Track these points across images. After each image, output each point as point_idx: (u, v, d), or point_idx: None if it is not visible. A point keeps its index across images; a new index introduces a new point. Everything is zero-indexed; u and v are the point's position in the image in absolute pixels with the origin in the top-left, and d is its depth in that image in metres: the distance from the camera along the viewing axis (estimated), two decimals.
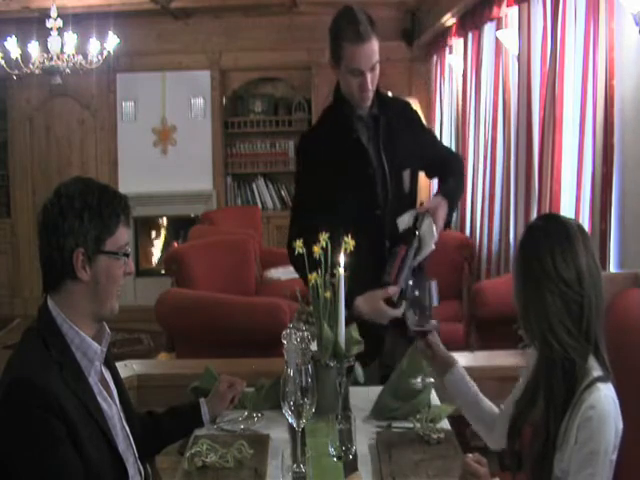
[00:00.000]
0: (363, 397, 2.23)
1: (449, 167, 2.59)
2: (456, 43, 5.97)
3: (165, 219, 7.84)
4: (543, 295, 1.63)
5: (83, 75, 6.38)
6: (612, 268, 3.11)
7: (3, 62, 5.97)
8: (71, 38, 5.91)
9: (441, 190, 2.49)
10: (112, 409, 1.77)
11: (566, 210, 3.53)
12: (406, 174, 2.51)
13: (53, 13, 5.76)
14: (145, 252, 7.85)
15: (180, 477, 1.85)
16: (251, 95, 7.76)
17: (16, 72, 6.06)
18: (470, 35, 5.50)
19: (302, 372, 1.78)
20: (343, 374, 2.05)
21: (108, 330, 1.79)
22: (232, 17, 7.35)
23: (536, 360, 1.73)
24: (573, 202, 3.47)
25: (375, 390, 2.24)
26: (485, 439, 1.97)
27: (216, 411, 2.16)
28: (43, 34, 5.90)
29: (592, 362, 1.64)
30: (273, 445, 2.00)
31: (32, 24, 6.07)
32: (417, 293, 2.00)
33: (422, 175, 2.66)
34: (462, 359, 2.09)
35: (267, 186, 7.74)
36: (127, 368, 2.89)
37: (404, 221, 2.41)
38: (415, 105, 6.67)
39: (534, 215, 3.99)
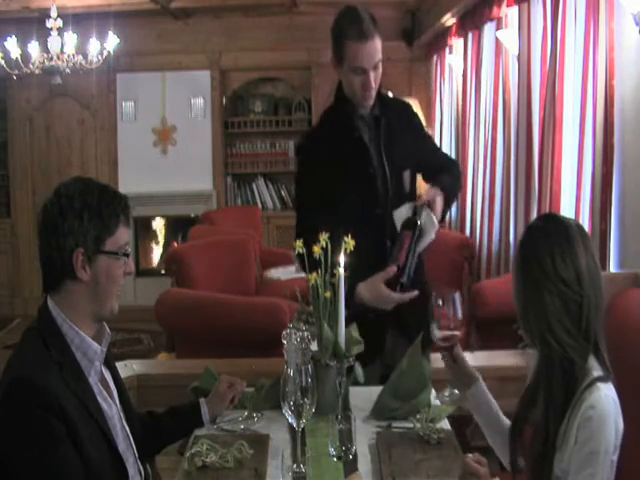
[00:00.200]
0: (363, 397, 2.23)
1: (447, 171, 2.59)
2: (456, 43, 5.97)
3: (165, 219, 7.83)
4: (542, 295, 1.63)
5: (83, 75, 6.38)
6: (612, 268, 3.11)
7: (3, 62, 5.97)
8: (71, 38, 5.91)
9: (437, 183, 2.46)
10: (112, 409, 1.77)
11: (566, 210, 3.53)
12: (406, 174, 2.51)
13: (53, 13, 5.76)
14: (145, 252, 7.85)
15: (180, 477, 1.85)
16: (251, 95, 7.76)
17: (16, 72, 6.06)
18: (470, 35, 5.50)
19: (302, 372, 1.78)
20: (343, 374, 2.05)
21: (108, 330, 1.79)
22: (232, 17, 7.35)
23: (537, 361, 1.73)
24: (573, 202, 3.47)
25: (375, 390, 2.24)
26: (500, 456, 1.94)
27: (216, 411, 2.15)
28: (43, 34, 5.90)
29: (592, 362, 1.64)
30: (273, 445, 2.00)
31: (32, 24, 6.07)
32: (440, 303, 1.96)
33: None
34: None
35: (267, 186, 7.74)
36: (127, 368, 2.89)
37: (401, 213, 2.40)
38: (415, 105, 6.70)
39: (534, 215, 3.99)
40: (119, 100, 7.51)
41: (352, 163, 2.44)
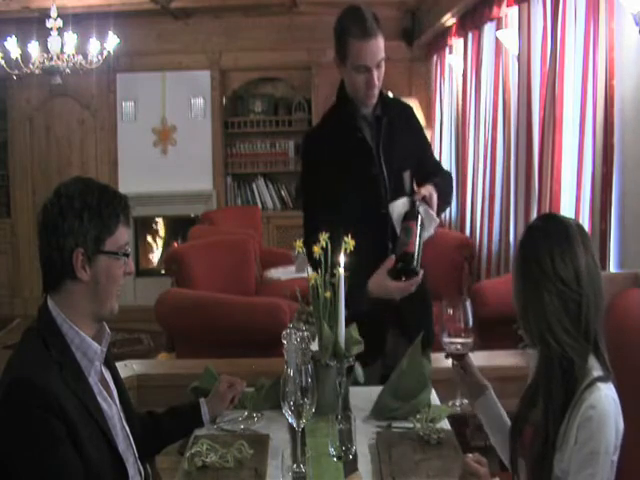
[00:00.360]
0: (363, 397, 2.23)
1: (440, 175, 2.59)
2: (456, 43, 5.97)
3: (165, 219, 7.83)
4: (541, 295, 1.63)
5: (83, 75, 6.38)
6: (612, 268, 3.11)
7: (3, 62, 5.97)
8: (71, 38, 5.91)
9: (431, 181, 2.45)
10: (112, 409, 1.77)
11: (566, 210, 3.53)
12: (406, 175, 2.51)
13: (53, 13, 5.76)
14: (145, 252, 7.85)
15: (180, 477, 1.85)
16: (251, 95, 7.76)
17: (16, 72, 6.06)
18: (470, 35, 5.50)
19: (302, 372, 1.78)
20: (343, 374, 2.05)
21: (108, 330, 1.79)
22: (232, 17, 7.34)
23: (537, 361, 1.73)
24: (573, 202, 3.47)
25: (375, 390, 2.24)
26: (505, 460, 1.93)
27: (216, 411, 2.15)
28: (43, 34, 5.90)
29: (592, 362, 1.64)
30: (273, 445, 2.00)
31: (32, 24, 6.07)
32: (451, 312, 1.92)
33: None
34: None
35: (267, 186, 7.74)
36: (127, 368, 2.89)
37: (398, 206, 2.39)
38: (415, 105, 6.70)
39: (534, 215, 3.99)
40: (119, 100, 7.51)
41: (355, 163, 2.44)
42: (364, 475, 1.82)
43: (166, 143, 7.57)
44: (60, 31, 5.83)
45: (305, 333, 2.03)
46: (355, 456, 1.85)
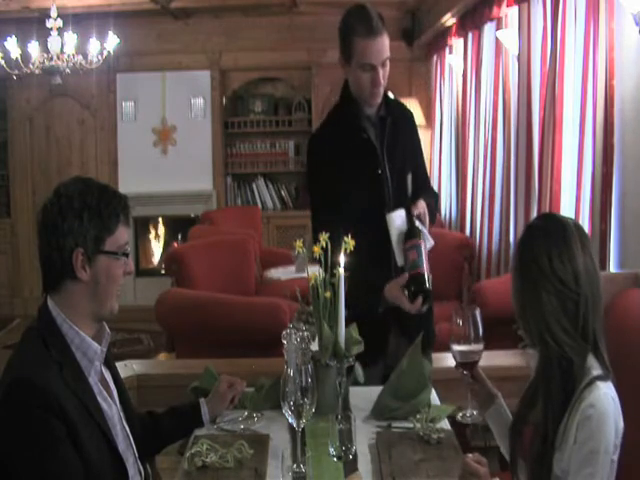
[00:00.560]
0: (363, 397, 2.23)
1: (426, 191, 2.60)
2: (456, 43, 5.97)
3: (165, 219, 7.83)
4: (540, 294, 1.63)
5: (83, 75, 6.38)
6: (612, 268, 3.11)
7: (3, 62, 5.97)
8: (71, 38, 5.91)
9: (423, 200, 2.46)
10: (112, 409, 1.77)
11: (566, 210, 3.53)
12: (408, 177, 2.52)
13: (53, 13, 5.76)
14: (145, 252, 7.85)
15: (180, 477, 1.85)
16: (251, 95, 7.76)
17: (16, 72, 6.06)
18: (470, 35, 5.50)
19: (302, 372, 1.78)
20: (343, 374, 2.05)
21: (108, 330, 1.79)
22: (232, 17, 7.35)
23: (537, 360, 1.73)
24: (573, 202, 3.47)
25: (375, 390, 2.24)
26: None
27: (216, 411, 2.15)
28: (43, 34, 5.90)
29: (592, 361, 1.64)
30: (273, 445, 2.00)
31: (32, 24, 6.07)
32: (460, 322, 1.89)
33: None
34: None
35: (267, 186, 7.74)
36: (127, 368, 2.89)
37: (395, 220, 2.39)
38: (415, 105, 6.71)
39: (534, 215, 3.99)
40: (119, 100, 7.51)
41: (360, 163, 2.45)
42: (364, 475, 1.82)
43: (166, 143, 7.57)
44: (60, 31, 5.83)
45: (305, 333, 2.03)
46: (355, 456, 1.84)
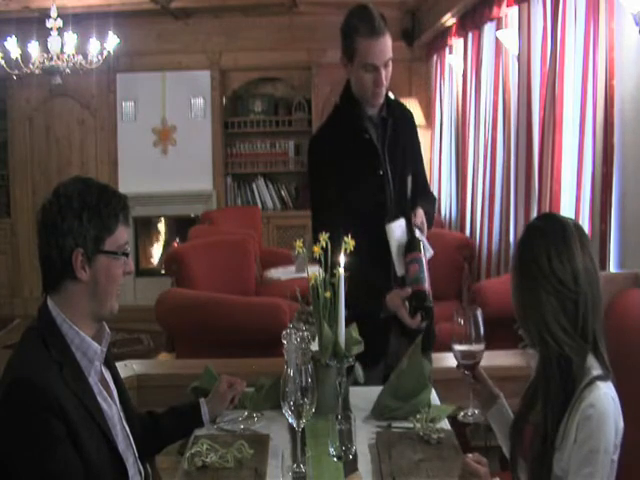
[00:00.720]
0: (363, 397, 2.23)
1: (425, 197, 2.60)
2: (456, 43, 5.97)
3: (165, 219, 7.83)
4: (539, 294, 1.63)
5: (83, 75, 6.38)
6: (612, 268, 3.11)
7: (3, 62, 5.97)
8: (71, 38, 5.91)
9: (421, 208, 2.47)
10: (112, 409, 1.77)
11: (566, 210, 3.53)
12: (409, 179, 2.52)
13: (53, 13, 5.76)
14: (145, 252, 7.85)
15: (180, 477, 1.85)
16: (251, 95, 7.76)
17: (16, 72, 6.06)
18: (470, 35, 5.50)
19: (302, 372, 1.78)
20: (343, 374, 2.05)
21: (108, 330, 1.79)
22: (232, 17, 7.34)
23: (537, 361, 1.73)
24: (573, 202, 3.47)
25: (375, 390, 2.24)
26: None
27: (216, 411, 2.15)
28: (43, 34, 5.90)
29: (591, 361, 1.64)
30: (273, 445, 2.00)
31: (32, 24, 6.07)
32: (461, 322, 1.88)
33: None
34: None
35: (267, 186, 7.74)
36: (127, 368, 2.89)
37: (395, 231, 2.39)
38: (415, 105, 6.70)
39: (534, 215, 3.99)
40: (119, 100, 7.51)
41: (362, 164, 2.45)
42: (364, 475, 1.82)
43: (166, 143, 7.57)
44: (60, 31, 5.83)
45: (305, 333, 2.03)
46: (355, 456, 1.84)
